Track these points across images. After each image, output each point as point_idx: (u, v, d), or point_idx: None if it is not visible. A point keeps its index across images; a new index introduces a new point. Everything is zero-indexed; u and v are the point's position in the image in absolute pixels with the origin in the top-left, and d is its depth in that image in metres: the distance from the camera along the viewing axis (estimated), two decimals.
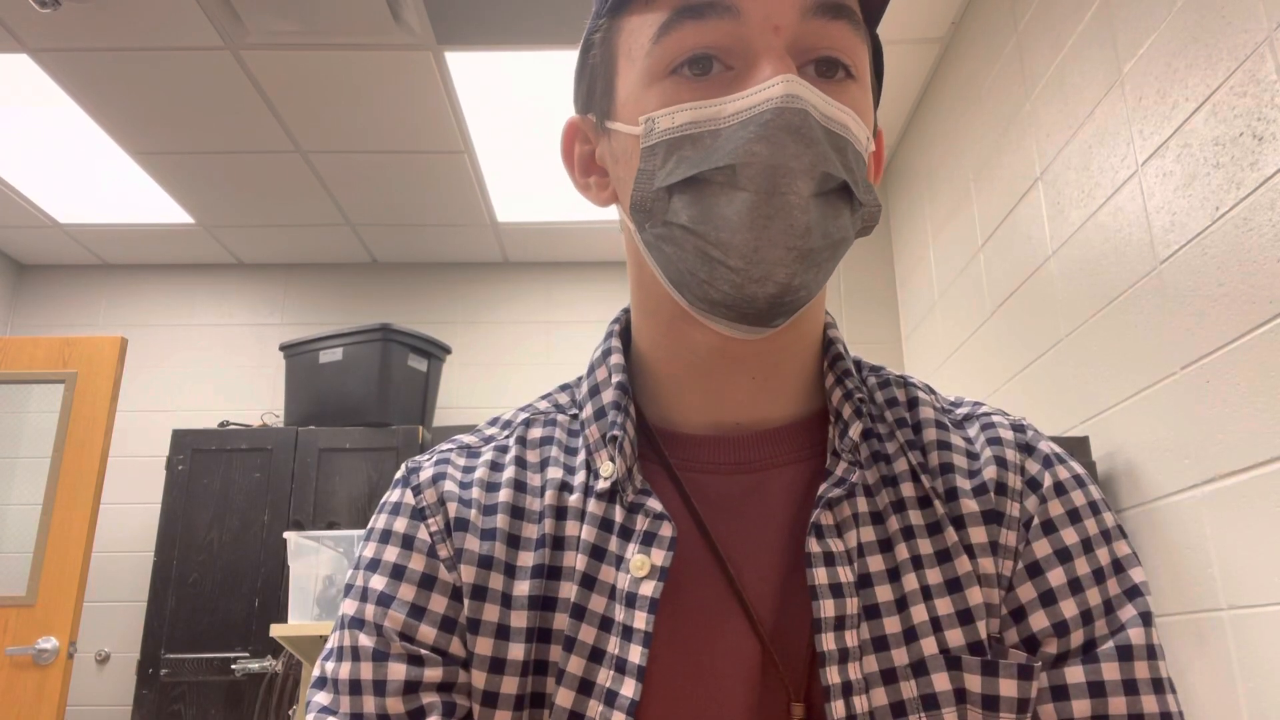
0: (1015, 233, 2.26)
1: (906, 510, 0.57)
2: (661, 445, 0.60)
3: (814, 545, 0.54)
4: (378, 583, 0.57)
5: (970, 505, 0.57)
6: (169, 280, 3.96)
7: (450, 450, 0.63)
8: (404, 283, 3.97)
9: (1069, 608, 0.55)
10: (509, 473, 0.60)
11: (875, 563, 0.56)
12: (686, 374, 0.60)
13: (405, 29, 2.53)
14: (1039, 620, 0.55)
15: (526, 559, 0.57)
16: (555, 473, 0.60)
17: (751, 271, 0.51)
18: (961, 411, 0.64)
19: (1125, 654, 0.53)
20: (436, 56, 2.66)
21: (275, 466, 3.12)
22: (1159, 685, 0.53)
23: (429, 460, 0.62)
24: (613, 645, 0.54)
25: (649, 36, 0.55)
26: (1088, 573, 0.56)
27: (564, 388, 0.68)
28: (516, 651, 0.54)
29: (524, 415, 0.65)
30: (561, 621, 0.55)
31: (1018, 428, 0.62)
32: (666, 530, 0.55)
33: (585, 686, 0.53)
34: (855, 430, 0.58)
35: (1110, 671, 0.53)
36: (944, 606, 0.54)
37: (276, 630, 2.21)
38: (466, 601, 0.56)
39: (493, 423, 0.66)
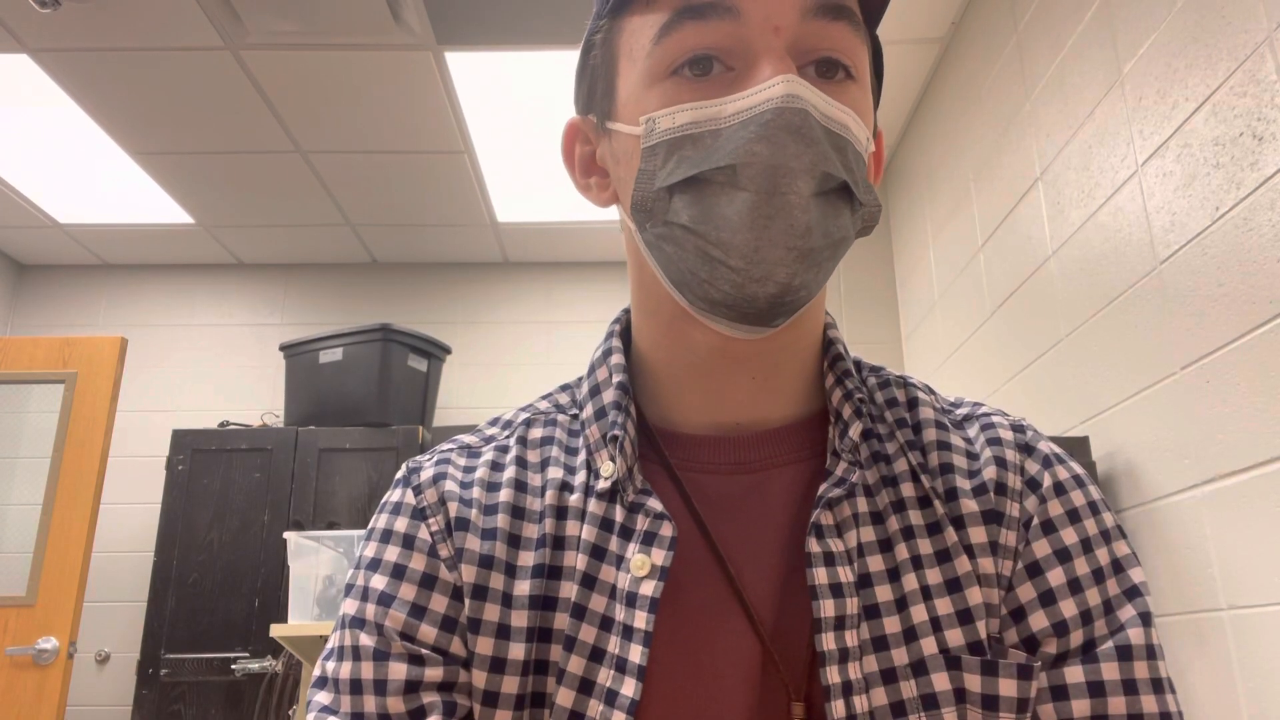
0: (1015, 233, 2.26)
1: (906, 510, 0.58)
2: (662, 445, 0.60)
3: (814, 545, 0.55)
4: (378, 582, 0.57)
5: (970, 505, 0.57)
6: (169, 280, 3.96)
7: (451, 450, 0.63)
8: (404, 283, 3.97)
9: (1068, 608, 0.55)
10: (510, 472, 0.60)
11: (875, 563, 0.56)
12: (687, 374, 0.60)
13: (405, 29, 2.53)
14: (1039, 620, 0.55)
15: (527, 559, 0.57)
16: (556, 473, 0.60)
17: (752, 271, 0.51)
18: (961, 412, 0.64)
19: (1125, 654, 0.53)
20: (436, 56, 2.66)
21: (275, 466, 3.12)
22: (1158, 685, 0.53)
23: (430, 460, 0.62)
24: (613, 645, 0.54)
25: (650, 37, 0.55)
26: (1087, 573, 0.56)
27: (564, 388, 0.68)
28: (517, 651, 0.54)
29: (524, 415, 0.65)
30: (562, 621, 0.55)
31: (1017, 428, 0.62)
32: (667, 530, 0.55)
33: (585, 686, 0.53)
34: (855, 430, 0.59)
35: (1110, 671, 0.53)
36: (944, 606, 0.54)
37: (276, 630, 2.21)
38: (467, 601, 0.56)
39: (493, 423, 0.66)
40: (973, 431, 0.62)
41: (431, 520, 0.58)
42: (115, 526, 3.58)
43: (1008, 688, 0.52)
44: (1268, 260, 1.36)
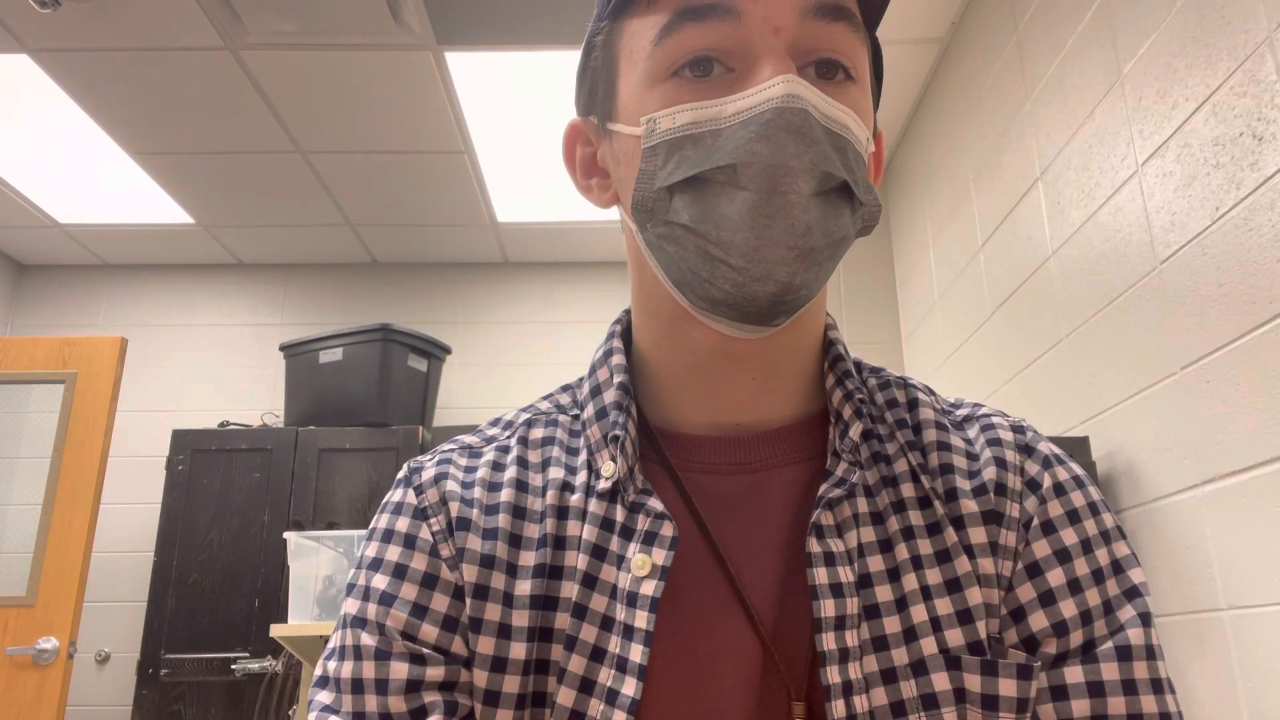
0: (1015, 233, 2.26)
1: (906, 511, 0.58)
2: (662, 445, 0.61)
3: (814, 545, 0.55)
4: (380, 582, 0.57)
5: (970, 506, 0.57)
6: (169, 280, 3.96)
7: (452, 450, 0.63)
8: (404, 283, 3.97)
9: (1068, 608, 0.55)
10: (511, 473, 0.61)
11: (875, 563, 0.56)
12: (687, 374, 0.61)
13: (405, 29, 2.53)
14: (1038, 620, 0.55)
15: (528, 558, 0.57)
16: (557, 473, 0.60)
17: (752, 270, 0.51)
18: (961, 413, 0.64)
19: (1124, 654, 0.53)
20: (436, 56, 2.66)
21: (275, 466, 3.12)
22: (1158, 685, 0.53)
23: (431, 460, 0.63)
24: (614, 644, 0.54)
25: (650, 39, 0.55)
26: (1087, 573, 0.56)
27: (565, 388, 0.68)
28: (518, 650, 0.54)
29: (525, 415, 0.65)
30: (563, 621, 0.55)
31: (1017, 429, 0.62)
32: (667, 530, 0.55)
33: (586, 685, 0.54)
34: (855, 431, 0.59)
35: (1109, 671, 0.53)
36: (944, 606, 0.55)
37: (276, 630, 2.21)
38: (468, 601, 0.56)
39: (494, 423, 0.66)
40: (973, 432, 0.62)
41: (433, 520, 0.59)
42: (115, 526, 3.58)
43: (1007, 688, 0.52)
44: (1268, 260, 1.36)
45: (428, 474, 0.61)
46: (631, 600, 0.54)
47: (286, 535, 2.37)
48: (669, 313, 0.59)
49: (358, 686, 0.55)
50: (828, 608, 0.53)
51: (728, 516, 0.58)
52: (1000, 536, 0.57)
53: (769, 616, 0.55)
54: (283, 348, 3.40)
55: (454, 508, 0.59)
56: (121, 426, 3.64)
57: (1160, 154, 1.63)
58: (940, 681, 0.53)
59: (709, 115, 0.53)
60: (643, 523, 0.56)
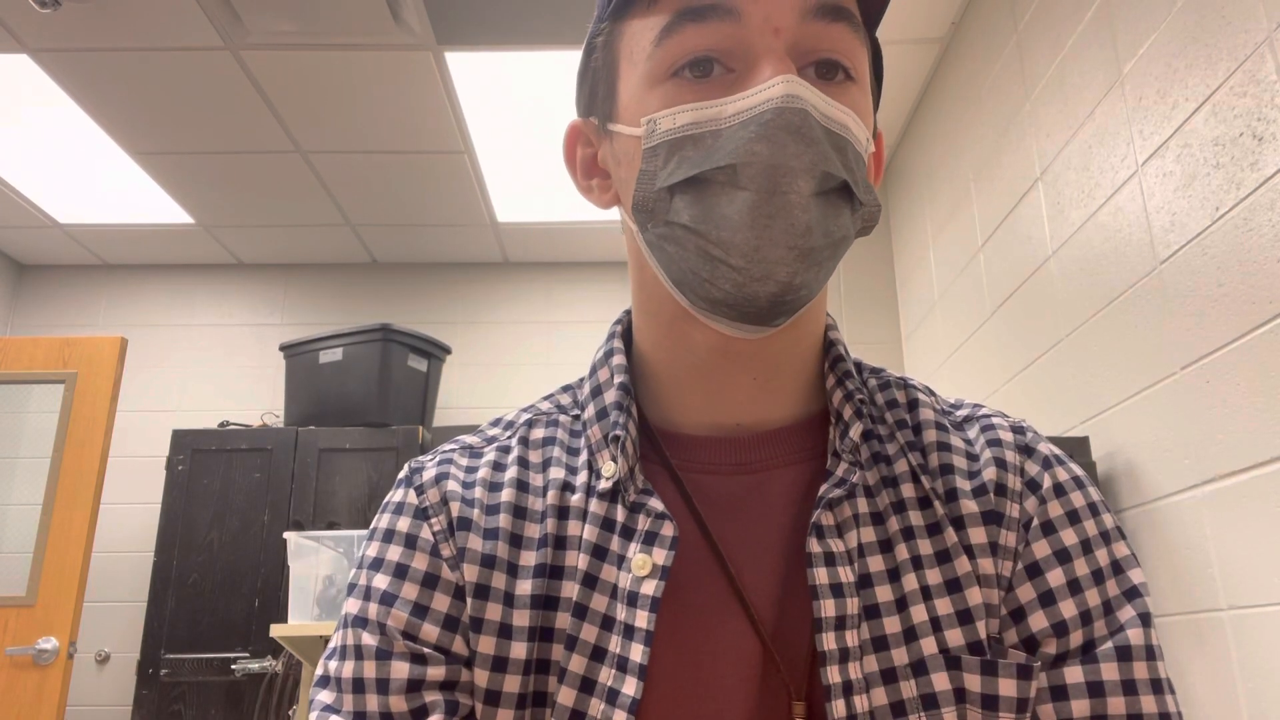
0: (1015, 233, 2.26)
1: (907, 511, 0.58)
2: (663, 445, 0.61)
3: (814, 545, 0.55)
4: (381, 582, 0.57)
5: (970, 506, 0.57)
6: (169, 280, 3.96)
7: (453, 450, 0.63)
8: (404, 283, 3.97)
9: (1068, 608, 0.55)
10: (511, 473, 0.61)
11: (875, 563, 0.56)
12: (688, 375, 0.61)
13: (405, 29, 2.53)
14: (1038, 620, 0.55)
15: (529, 558, 0.57)
16: (557, 473, 0.60)
17: (752, 270, 0.51)
18: (962, 413, 0.64)
19: (1124, 654, 0.54)
20: (436, 56, 2.66)
21: (275, 466, 3.12)
22: (1158, 686, 0.54)
23: (432, 460, 0.63)
24: (614, 644, 0.54)
25: (650, 39, 0.55)
26: (1087, 574, 0.56)
27: (566, 388, 0.68)
28: (519, 650, 0.55)
29: (526, 416, 0.66)
30: (563, 620, 0.55)
31: (1017, 429, 0.62)
32: (668, 530, 0.55)
33: (587, 685, 0.54)
34: (856, 431, 0.59)
35: (1109, 672, 0.53)
36: (944, 607, 0.55)
37: (276, 630, 2.21)
38: (469, 600, 0.56)
39: (495, 423, 0.66)
40: (973, 433, 0.62)
41: (434, 520, 0.59)
42: (115, 526, 3.58)
43: (1007, 688, 0.52)
44: (1268, 260, 1.36)
45: (429, 474, 0.61)
46: (632, 600, 0.54)
47: (286, 535, 2.37)
48: (669, 313, 0.59)
49: (359, 686, 0.55)
50: (828, 608, 0.53)
51: (728, 517, 0.58)
52: (1000, 537, 0.57)
53: (769, 616, 0.55)
54: (283, 348, 3.40)
55: (455, 508, 0.59)
56: (121, 426, 3.64)
57: (1160, 154, 1.63)
58: (940, 681, 0.53)
59: (709, 116, 0.53)
60: (643, 523, 0.56)
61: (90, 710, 3.43)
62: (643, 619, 0.53)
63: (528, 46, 2.61)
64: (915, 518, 0.57)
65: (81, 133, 3.02)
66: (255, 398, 3.77)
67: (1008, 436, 0.61)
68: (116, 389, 3.07)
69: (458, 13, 2.47)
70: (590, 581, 0.56)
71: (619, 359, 0.63)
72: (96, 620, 3.49)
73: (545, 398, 0.68)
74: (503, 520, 0.58)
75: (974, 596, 0.55)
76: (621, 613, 0.54)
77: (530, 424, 0.64)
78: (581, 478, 0.60)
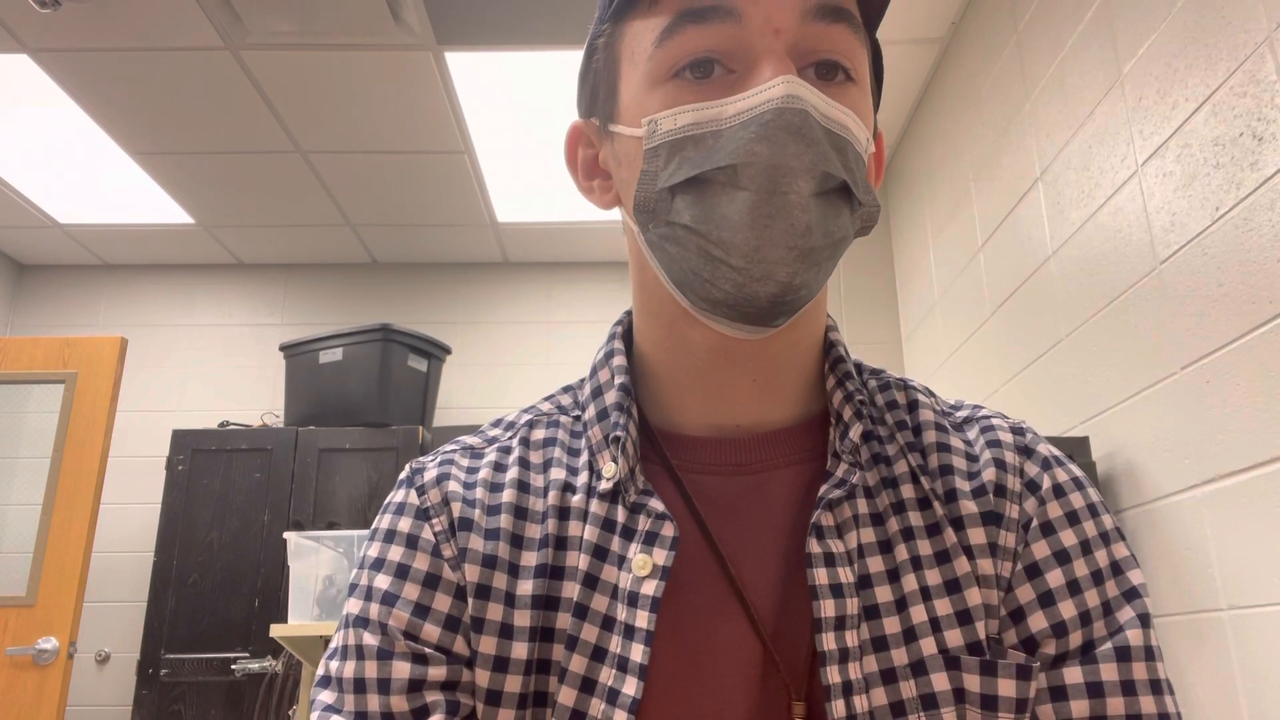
0: (1015, 233, 2.26)
1: (906, 512, 0.58)
2: (663, 446, 0.61)
3: (814, 546, 0.55)
4: (382, 582, 0.57)
5: (969, 507, 0.57)
6: (169, 280, 3.97)
7: (454, 451, 0.64)
8: (404, 283, 3.97)
9: (1067, 609, 0.55)
10: (512, 473, 0.61)
11: (875, 563, 0.56)
12: (688, 376, 0.61)
13: (405, 29, 2.53)
14: (1038, 621, 0.55)
15: (530, 559, 0.57)
16: (558, 473, 0.60)
17: (753, 270, 0.52)
18: (961, 414, 0.64)
19: (1123, 655, 0.54)
20: (436, 56, 2.67)
21: (275, 466, 3.12)
22: (1157, 686, 0.54)
23: (433, 461, 0.63)
24: (615, 644, 0.54)
25: (651, 40, 0.55)
26: (1086, 574, 0.56)
27: (566, 389, 0.68)
28: (520, 650, 0.55)
29: (527, 417, 0.66)
30: (564, 621, 0.55)
31: (1017, 430, 0.62)
32: (668, 530, 0.56)
33: (587, 685, 0.54)
34: (855, 432, 0.59)
35: (1108, 672, 0.53)
36: (943, 607, 0.55)
37: (276, 630, 2.21)
38: (470, 600, 0.56)
39: (496, 424, 0.67)
40: (972, 434, 0.62)
41: (435, 520, 0.59)
42: (115, 526, 3.59)
43: (1006, 688, 0.53)
44: (1268, 260, 1.36)
45: (430, 474, 0.61)
46: (632, 600, 0.54)
47: (286, 535, 2.37)
48: (670, 314, 0.59)
49: (360, 686, 0.55)
50: (827, 608, 0.53)
51: (728, 517, 0.58)
52: (999, 537, 0.57)
53: (769, 616, 0.55)
54: (283, 348, 3.40)
55: (456, 508, 0.59)
56: (121, 426, 3.64)
57: (1160, 154, 1.63)
58: (940, 682, 0.53)
59: (710, 116, 0.53)
60: (644, 523, 0.56)
61: (90, 710, 3.43)
62: (643, 619, 0.53)
63: (528, 46, 2.62)
64: (915, 518, 0.58)
65: (81, 133, 3.02)
66: (255, 398, 3.77)
67: (1007, 437, 0.61)
68: (116, 389, 3.07)
69: (458, 13, 2.47)
70: (591, 582, 0.56)
71: (619, 360, 0.63)
72: (96, 620, 3.49)
73: (546, 398, 0.68)
74: (504, 521, 0.58)
75: (973, 597, 0.55)
76: (622, 613, 0.55)
77: (531, 425, 0.65)
78: (582, 478, 0.60)
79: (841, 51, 0.55)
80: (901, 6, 2.53)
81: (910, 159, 3.14)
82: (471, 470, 0.62)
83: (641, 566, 0.55)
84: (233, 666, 2.91)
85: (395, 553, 0.58)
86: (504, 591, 0.56)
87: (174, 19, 2.48)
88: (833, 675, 0.52)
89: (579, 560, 0.57)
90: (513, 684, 0.54)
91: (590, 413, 0.63)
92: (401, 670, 0.54)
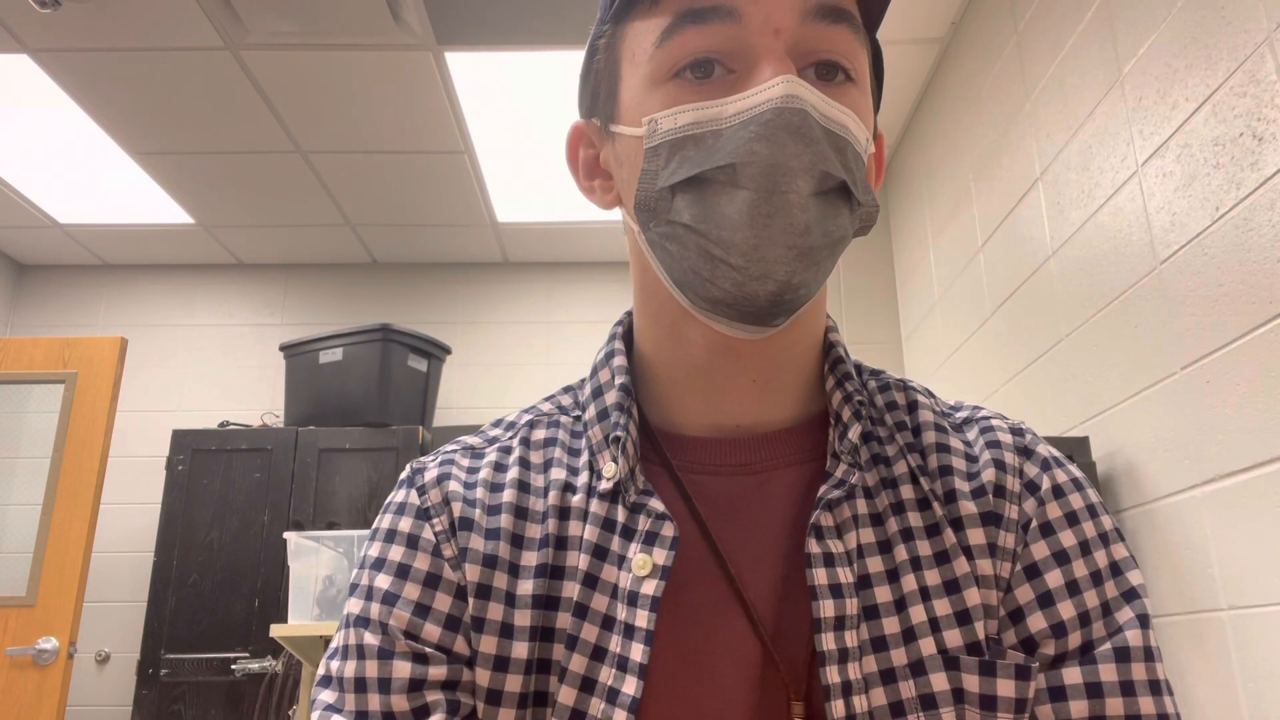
0: (1015, 233, 2.26)
1: (906, 512, 0.58)
2: (663, 446, 0.61)
3: (814, 546, 0.55)
4: (383, 581, 0.58)
5: (969, 507, 0.58)
6: (169, 280, 3.97)
7: (454, 451, 0.64)
8: (404, 283, 3.97)
9: (1066, 609, 0.55)
10: (513, 473, 0.61)
11: (874, 564, 0.56)
12: (688, 376, 0.61)
13: (405, 29, 2.53)
14: (1037, 622, 0.55)
15: (530, 558, 0.57)
16: (559, 473, 0.61)
17: (752, 269, 0.52)
18: (961, 415, 0.64)
19: (1122, 655, 0.54)
20: (436, 56, 2.67)
21: (275, 466, 3.12)
22: (1156, 687, 0.54)
23: (433, 461, 0.63)
24: (614, 644, 0.54)
25: (652, 41, 0.56)
26: (1085, 575, 0.56)
27: (567, 389, 0.68)
28: (520, 650, 0.55)
29: (527, 417, 0.66)
30: (564, 620, 0.55)
31: (1016, 431, 0.62)
32: (668, 530, 0.56)
33: (587, 684, 0.54)
34: (854, 432, 0.59)
35: (1107, 673, 0.53)
36: (942, 607, 0.55)
37: (276, 630, 2.21)
38: (471, 600, 0.56)
39: (496, 424, 0.67)
40: (972, 434, 0.62)
41: (435, 520, 0.59)
42: (115, 526, 3.59)
43: (1005, 688, 0.53)
44: (1268, 260, 1.36)
45: (430, 474, 0.61)
46: (632, 600, 0.54)
47: (286, 535, 2.37)
48: (671, 314, 0.60)
49: (360, 685, 0.55)
50: (827, 608, 0.53)
51: (728, 517, 0.58)
52: (999, 538, 0.57)
53: (769, 616, 0.56)
54: (283, 348, 3.40)
55: (456, 508, 0.59)
56: (121, 426, 3.64)
57: (1160, 154, 1.63)
58: (939, 682, 0.53)
59: (710, 115, 0.53)
60: (644, 523, 0.57)
61: (90, 710, 3.43)
62: (643, 618, 0.53)
63: (528, 46, 2.62)
64: (914, 519, 0.58)
65: (81, 133, 3.02)
66: (255, 398, 3.78)
67: (1007, 438, 0.61)
68: (116, 389, 3.07)
69: (458, 13, 2.47)
70: (591, 581, 0.56)
71: (620, 360, 0.63)
72: (96, 620, 3.49)
73: (546, 399, 0.68)
74: (504, 520, 0.58)
75: (972, 597, 0.55)
76: (622, 612, 0.55)
77: (531, 425, 0.65)
78: (582, 478, 0.60)
79: (841, 52, 0.55)
80: (901, 6, 2.53)
81: (910, 159, 3.14)
82: (472, 470, 0.62)
83: (641, 566, 0.55)
84: (233, 666, 2.91)
85: (396, 552, 0.58)
86: (504, 591, 0.56)
87: (174, 19, 2.48)
88: (832, 675, 0.52)
89: (579, 560, 0.57)
90: (513, 683, 0.54)
91: (591, 413, 0.63)
92: (402, 670, 0.54)
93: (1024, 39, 2.19)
